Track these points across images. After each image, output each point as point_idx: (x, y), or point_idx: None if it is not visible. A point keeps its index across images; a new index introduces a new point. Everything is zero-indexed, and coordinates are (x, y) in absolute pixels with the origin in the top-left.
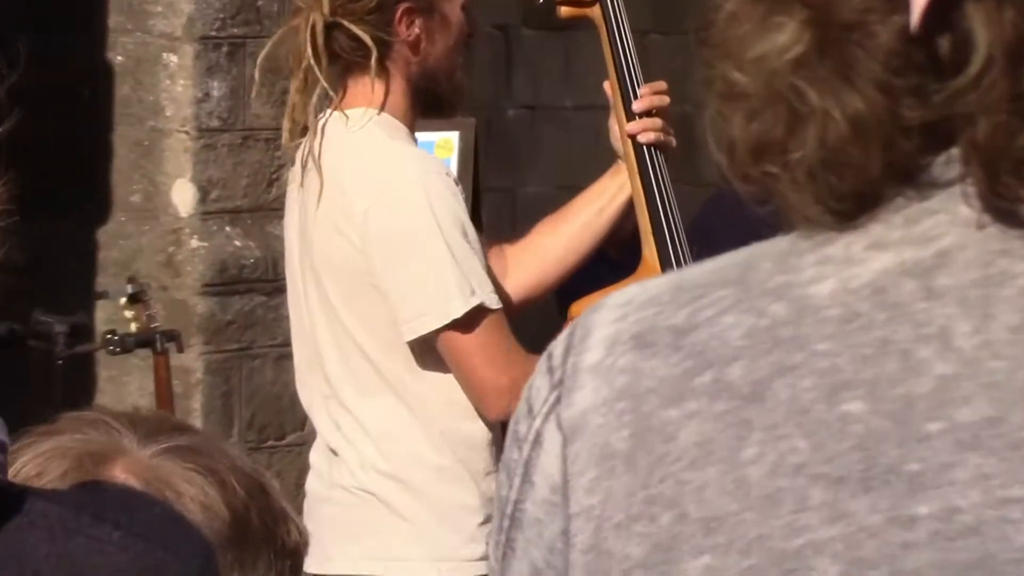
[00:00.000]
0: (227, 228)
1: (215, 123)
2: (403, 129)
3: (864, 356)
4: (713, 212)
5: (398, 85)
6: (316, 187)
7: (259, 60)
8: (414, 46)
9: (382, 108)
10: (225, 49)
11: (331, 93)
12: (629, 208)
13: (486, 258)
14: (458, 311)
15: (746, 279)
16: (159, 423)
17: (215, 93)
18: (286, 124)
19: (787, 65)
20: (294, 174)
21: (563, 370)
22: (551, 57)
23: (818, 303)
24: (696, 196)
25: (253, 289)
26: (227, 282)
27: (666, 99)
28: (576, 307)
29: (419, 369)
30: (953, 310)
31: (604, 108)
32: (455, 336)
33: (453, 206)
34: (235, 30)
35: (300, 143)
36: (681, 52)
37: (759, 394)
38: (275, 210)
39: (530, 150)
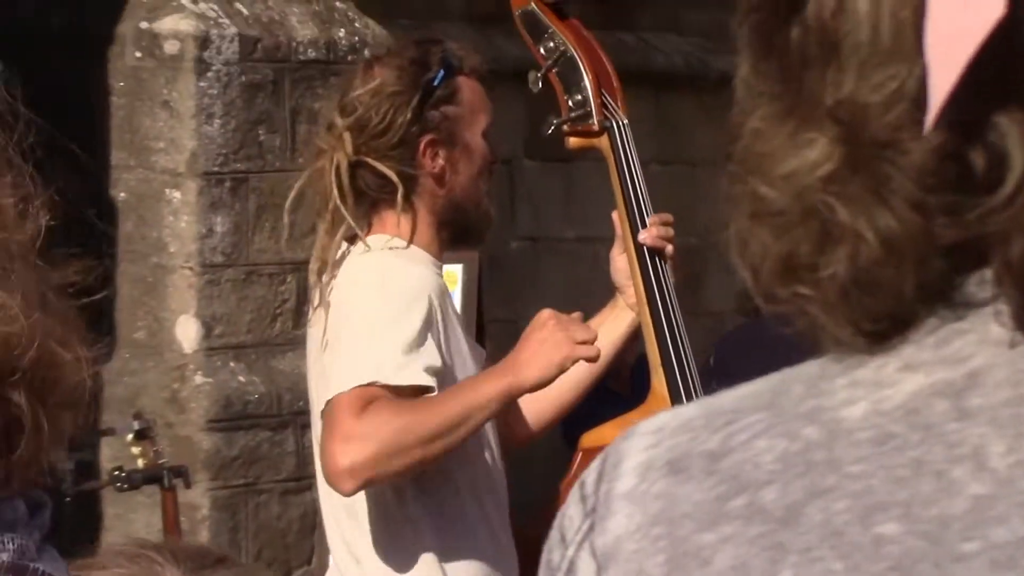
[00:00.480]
0: (231, 363)
1: (219, 259)
2: (421, 254)
3: (898, 477)
4: (730, 347)
5: (424, 218)
6: (322, 322)
7: (288, 203)
8: (439, 178)
9: (410, 242)
10: (228, 184)
11: (357, 232)
12: (629, 342)
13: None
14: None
15: (778, 403)
16: (202, 556)
17: (219, 229)
18: (314, 265)
19: (818, 182)
20: (312, 311)
21: (596, 498)
22: (553, 188)
23: (851, 426)
24: (700, 327)
25: (258, 424)
26: (232, 417)
27: (671, 232)
28: (587, 439)
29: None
30: (986, 430)
31: (605, 239)
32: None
33: (415, 305)
34: (238, 165)
35: (320, 282)
36: (682, 183)
37: (793, 517)
38: (279, 345)
39: (532, 281)
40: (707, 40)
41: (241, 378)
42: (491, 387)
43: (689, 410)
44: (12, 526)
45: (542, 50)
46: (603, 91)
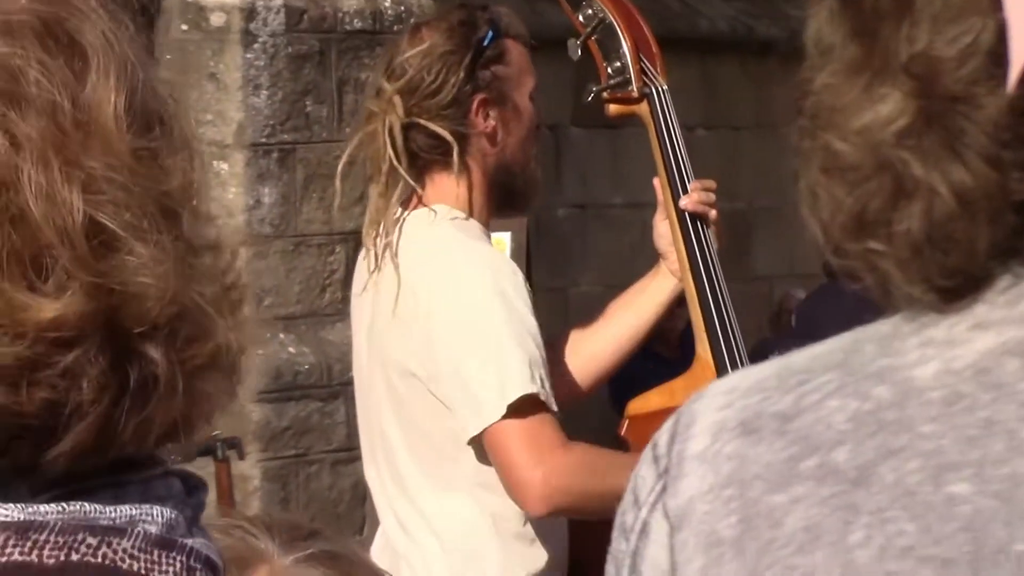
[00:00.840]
0: (281, 335)
1: (267, 230)
2: (478, 227)
3: (969, 437)
4: (817, 303)
5: (477, 180)
6: (392, 287)
7: (340, 167)
8: (491, 137)
9: (468, 206)
10: (275, 155)
11: (417, 190)
12: (673, 307)
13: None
14: (496, 412)
15: (849, 363)
16: (295, 528)
17: (266, 200)
18: (369, 229)
19: (892, 136)
20: (360, 276)
21: (668, 459)
22: (600, 155)
23: (922, 385)
24: (747, 294)
25: (308, 395)
26: (282, 388)
27: (713, 197)
28: (632, 406)
29: (454, 456)
30: None
31: (653, 205)
32: (495, 429)
33: (509, 301)
34: (285, 136)
35: (375, 244)
36: (727, 148)
37: (865, 478)
38: (329, 315)
39: (580, 249)
40: (752, 5)
41: (291, 349)
42: None
43: (762, 370)
44: (163, 501)
45: (581, 18)
46: (642, 57)
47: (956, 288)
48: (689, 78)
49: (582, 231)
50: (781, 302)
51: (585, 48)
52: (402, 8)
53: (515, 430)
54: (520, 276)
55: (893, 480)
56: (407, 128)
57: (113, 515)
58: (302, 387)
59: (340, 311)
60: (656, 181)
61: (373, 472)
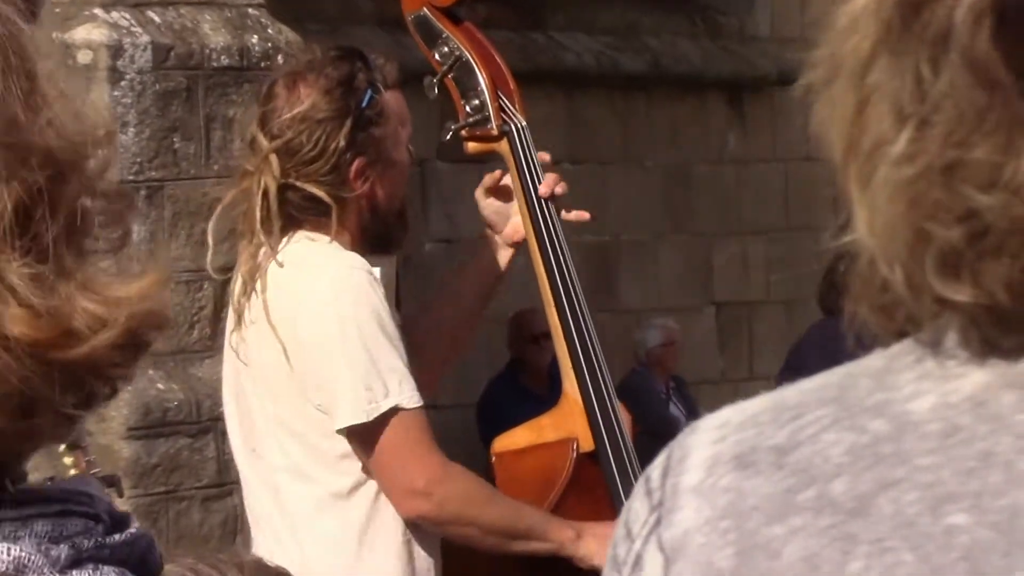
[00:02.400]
0: (150, 371)
1: (135, 267)
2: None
3: (968, 469)
4: (810, 340)
5: (352, 231)
6: (259, 331)
7: (210, 226)
8: (368, 196)
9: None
10: (143, 193)
11: (277, 263)
12: (544, 340)
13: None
14: (368, 415)
15: (844, 398)
16: (263, 569)
17: (134, 237)
18: (238, 287)
19: None
20: (230, 321)
21: (662, 492)
22: (466, 190)
23: (918, 418)
24: (613, 326)
25: (178, 431)
26: (152, 425)
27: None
28: (499, 443)
29: (343, 472)
30: None
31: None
32: (367, 437)
33: (373, 301)
34: (153, 173)
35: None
36: (594, 182)
37: (863, 508)
38: (197, 352)
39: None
40: (616, 38)
41: (160, 385)
42: (558, 532)
43: (754, 405)
44: (35, 538)
45: (437, 55)
46: (500, 94)
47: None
48: (555, 112)
49: (449, 264)
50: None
51: (442, 86)
52: (269, 45)
53: (391, 436)
54: (371, 272)
55: (892, 511)
56: (283, 188)
57: None
58: (172, 423)
59: (209, 347)
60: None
61: (257, 503)
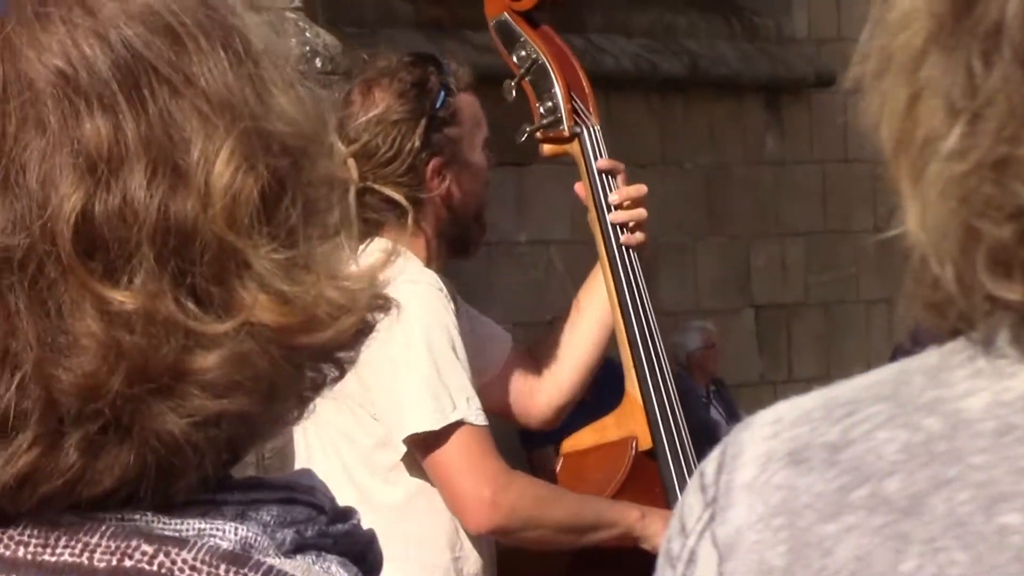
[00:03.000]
0: None
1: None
2: (432, 275)
3: (1021, 468)
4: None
5: (431, 236)
6: None
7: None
8: (446, 199)
9: (423, 258)
10: None
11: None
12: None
13: (512, 373)
14: (436, 424)
15: (898, 395)
16: None
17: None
18: None
19: None
20: None
21: (716, 488)
22: (505, 193)
23: (972, 416)
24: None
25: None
26: None
27: (643, 212)
28: (567, 444)
29: (394, 483)
30: None
31: (557, 242)
32: (434, 449)
33: (445, 318)
34: None
35: None
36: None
37: (916, 507)
38: None
39: (485, 286)
40: (654, 41)
41: None
42: (625, 515)
43: (807, 401)
44: (263, 523)
45: (515, 58)
46: (574, 97)
47: None
48: None
49: (487, 268)
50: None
51: (519, 88)
52: (307, 48)
53: (457, 450)
54: (443, 290)
55: (944, 510)
56: (361, 192)
57: (179, 527)
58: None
59: None
60: (589, 217)
61: None
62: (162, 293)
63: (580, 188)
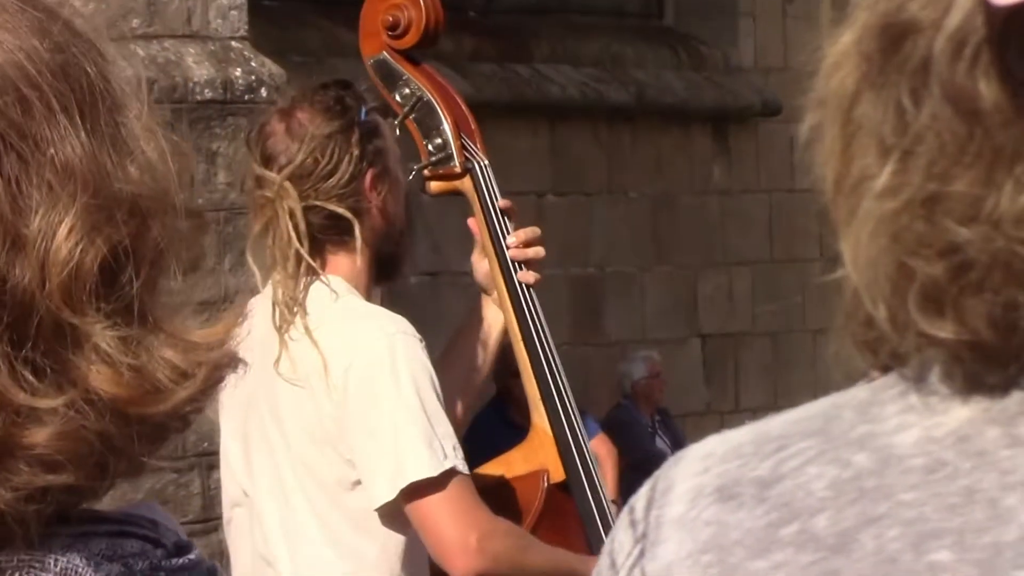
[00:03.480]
0: None
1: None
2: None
3: (950, 505)
4: None
5: (368, 253)
6: (305, 358)
7: (249, 254)
8: (383, 211)
9: (360, 279)
10: None
11: (318, 271)
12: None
13: None
14: (432, 471)
15: (828, 430)
16: None
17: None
18: (283, 310)
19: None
20: (260, 349)
21: (646, 523)
22: (451, 223)
23: (902, 452)
24: (598, 359)
25: (162, 467)
26: None
27: (541, 250)
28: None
29: (363, 525)
30: None
31: None
32: (422, 497)
33: (427, 367)
34: None
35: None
36: (578, 214)
37: (845, 544)
38: None
39: (434, 316)
40: (600, 70)
41: None
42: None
43: (738, 435)
44: (91, 555)
45: (397, 97)
46: (462, 133)
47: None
48: (539, 144)
49: (435, 298)
50: None
51: (403, 128)
52: (253, 78)
53: (445, 497)
54: (417, 336)
55: (874, 547)
56: (305, 211)
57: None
58: (156, 458)
59: None
60: (475, 255)
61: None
62: None
63: (473, 223)
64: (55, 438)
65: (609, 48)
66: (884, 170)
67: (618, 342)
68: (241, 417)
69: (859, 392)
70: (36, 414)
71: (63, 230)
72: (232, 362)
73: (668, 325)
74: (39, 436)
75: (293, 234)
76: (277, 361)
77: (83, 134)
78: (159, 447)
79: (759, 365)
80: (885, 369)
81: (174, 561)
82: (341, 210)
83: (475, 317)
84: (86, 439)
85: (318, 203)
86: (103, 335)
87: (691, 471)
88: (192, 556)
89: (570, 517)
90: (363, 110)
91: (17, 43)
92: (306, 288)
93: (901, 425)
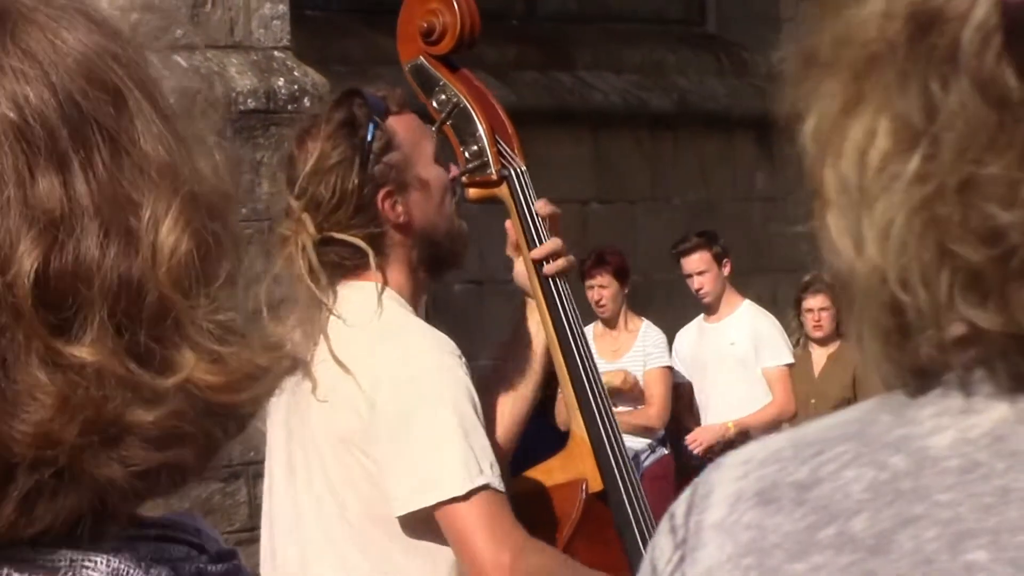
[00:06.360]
0: None
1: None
2: (407, 306)
3: (985, 505)
4: None
5: (403, 265)
6: (337, 376)
7: (264, 298)
8: (405, 226)
9: (400, 290)
10: None
11: (329, 308)
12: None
13: None
14: (461, 488)
15: (865, 433)
16: None
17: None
18: (306, 341)
19: None
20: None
21: (686, 528)
22: (496, 231)
23: (938, 454)
24: None
25: (209, 475)
26: None
27: (568, 259)
28: (513, 487)
29: (406, 541)
30: None
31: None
32: (457, 512)
33: (466, 382)
34: None
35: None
36: (622, 221)
37: (883, 546)
38: None
39: (477, 323)
40: (643, 77)
41: None
42: None
43: (776, 441)
44: (140, 558)
45: (435, 103)
46: (499, 139)
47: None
48: (582, 152)
49: (479, 306)
50: None
51: (441, 133)
52: (295, 87)
53: (479, 514)
54: (458, 353)
55: (911, 548)
56: (322, 243)
57: (51, 557)
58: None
59: None
60: (512, 249)
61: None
62: (112, 349)
63: (511, 227)
64: (166, 417)
65: (651, 55)
66: (914, 155)
67: None
68: (283, 438)
69: (895, 396)
70: (148, 394)
71: (168, 221)
72: (295, 364)
73: None
74: (151, 415)
75: (306, 271)
76: (314, 389)
77: (165, 134)
78: (226, 442)
79: None
80: (913, 368)
81: (218, 566)
82: (355, 240)
83: (521, 328)
84: (191, 419)
85: (334, 234)
86: (203, 321)
87: (731, 476)
88: (235, 562)
89: (608, 527)
90: (371, 128)
91: (93, 40)
92: (344, 289)
93: (936, 427)
